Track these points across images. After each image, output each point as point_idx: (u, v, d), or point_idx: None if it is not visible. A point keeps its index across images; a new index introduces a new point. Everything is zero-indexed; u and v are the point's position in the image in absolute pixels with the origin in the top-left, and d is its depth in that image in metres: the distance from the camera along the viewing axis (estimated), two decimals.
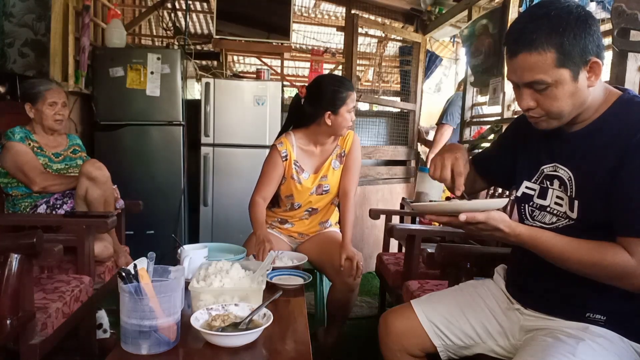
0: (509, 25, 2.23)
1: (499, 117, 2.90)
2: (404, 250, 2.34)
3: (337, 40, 6.06)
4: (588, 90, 1.05)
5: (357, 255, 1.88)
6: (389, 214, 2.69)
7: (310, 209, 2.15)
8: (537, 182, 1.20)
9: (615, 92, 1.11)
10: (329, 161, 2.11)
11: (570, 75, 1.02)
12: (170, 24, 4.41)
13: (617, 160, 1.02)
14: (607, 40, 1.81)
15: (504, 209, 1.96)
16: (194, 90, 4.11)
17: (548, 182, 1.17)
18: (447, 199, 3.22)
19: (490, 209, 1.04)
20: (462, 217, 1.01)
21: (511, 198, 1.82)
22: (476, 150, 3.22)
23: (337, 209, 2.27)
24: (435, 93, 6.64)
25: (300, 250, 2.14)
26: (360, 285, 2.03)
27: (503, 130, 2.28)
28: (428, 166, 3.84)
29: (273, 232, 2.18)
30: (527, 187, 1.23)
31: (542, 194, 1.18)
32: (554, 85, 1.03)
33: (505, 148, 1.35)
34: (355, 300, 2.09)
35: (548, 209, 1.16)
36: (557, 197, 1.15)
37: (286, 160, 2.07)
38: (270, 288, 1.50)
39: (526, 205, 1.23)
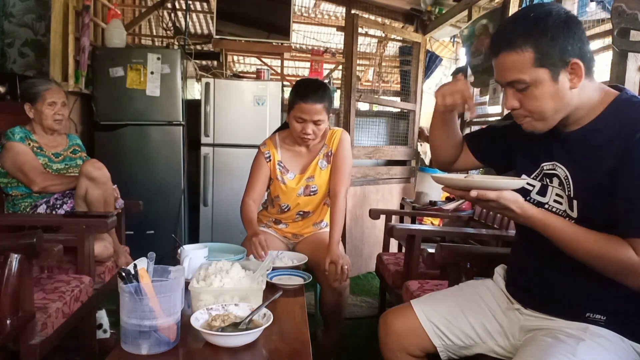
0: None
1: (499, 117, 2.90)
2: (404, 250, 2.34)
3: (337, 40, 6.06)
4: (571, 92, 1.06)
5: (342, 259, 1.82)
6: (389, 214, 2.69)
7: (301, 212, 2.12)
8: (538, 179, 1.20)
9: (612, 92, 1.11)
10: (315, 161, 2.07)
11: (549, 75, 1.03)
12: (170, 24, 4.41)
13: (617, 161, 1.02)
14: (607, 40, 1.81)
15: None
16: (194, 90, 4.11)
17: (548, 180, 1.18)
18: (447, 199, 3.23)
19: (506, 188, 1.04)
20: (473, 193, 1.02)
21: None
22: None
23: None
24: None
25: (296, 250, 2.13)
26: (360, 285, 2.02)
27: None
28: (428, 164, 3.85)
29: (269, 230, 2.17)
30: (526, 183, 1.23)
31: (542, 191, 1.19)
32: (533, 85, 1.05)
33: (501, 136, 1.35)
34: (346, 303, 2.06)
35: (546, 207, 1.16)
36: (557, 195, 1.15)
37: (270, 161, 2.07)
38: (270, 288, 1.50)
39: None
